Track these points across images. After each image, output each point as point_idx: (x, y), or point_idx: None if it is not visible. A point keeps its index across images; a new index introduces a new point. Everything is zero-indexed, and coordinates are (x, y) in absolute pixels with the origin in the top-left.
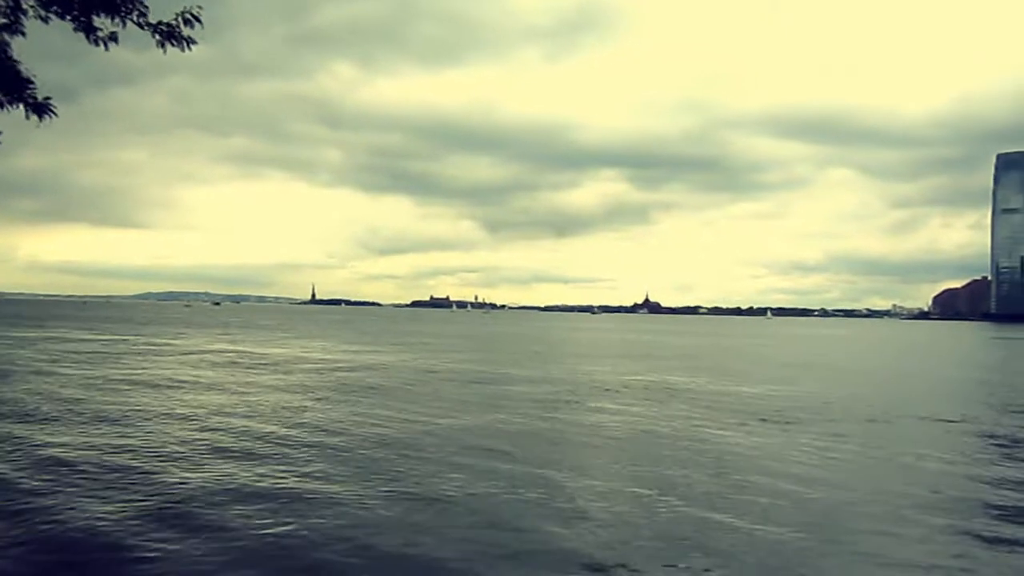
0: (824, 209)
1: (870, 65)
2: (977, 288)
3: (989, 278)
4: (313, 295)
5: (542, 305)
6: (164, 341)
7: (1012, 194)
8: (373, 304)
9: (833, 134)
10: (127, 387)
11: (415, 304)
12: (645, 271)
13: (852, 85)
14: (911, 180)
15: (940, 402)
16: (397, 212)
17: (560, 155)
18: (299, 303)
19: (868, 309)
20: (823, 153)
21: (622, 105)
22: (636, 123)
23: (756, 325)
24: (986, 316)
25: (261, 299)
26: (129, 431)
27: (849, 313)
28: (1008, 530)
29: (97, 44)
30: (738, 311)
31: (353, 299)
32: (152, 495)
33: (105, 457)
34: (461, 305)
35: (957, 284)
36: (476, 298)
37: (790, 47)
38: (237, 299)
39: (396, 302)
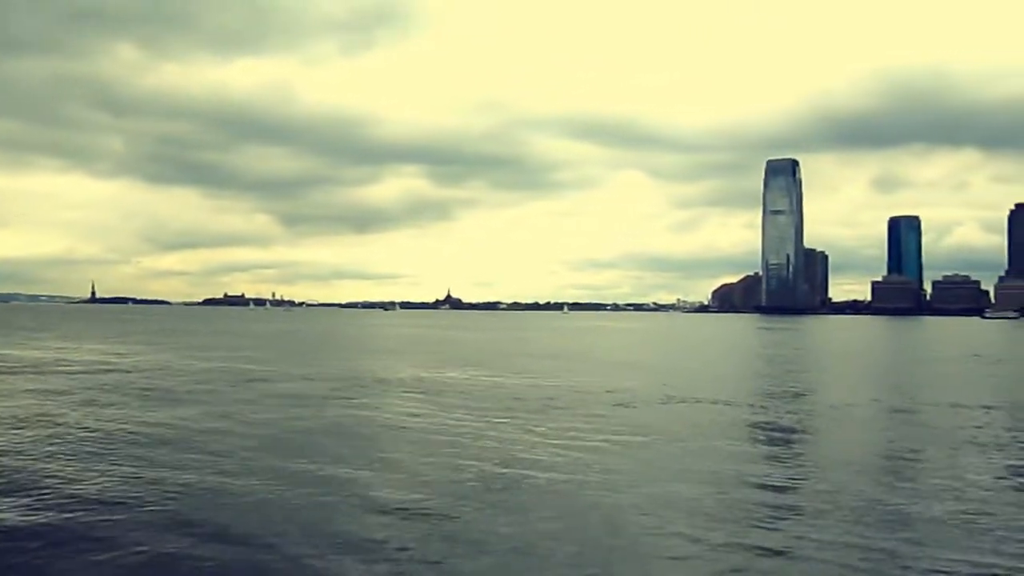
0: (615, 208)
1: (655, 75)
2: (750, 283)
3: (760, 274)
4: (93, 293)
5: (343, 302)
6: None
7: (779, 197)
8: (161, 302)
9: (623, 138)
10: None
11: (208, 302)
12: (447, 267)
13: (640, 93)
14: (692, 182)
15: (712, 386)
16: (186, 205)
17: (359, 149)
18: (77, 302)
19: (655, 303)
20: (614, 155)
21: (421, 101)
22: (436, 120)
23: (553, 319)
24: (757, 308)
25: (33, 298)
26: None
27: (638, 307)
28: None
29: None
30: (536, 306)
31: (139, 297)
32: None
33: None
34: (259, 303)
35: (733, 279)
36: (274, 295)
37: (584, 53)
38: (5, 298)
39: (187, 300)
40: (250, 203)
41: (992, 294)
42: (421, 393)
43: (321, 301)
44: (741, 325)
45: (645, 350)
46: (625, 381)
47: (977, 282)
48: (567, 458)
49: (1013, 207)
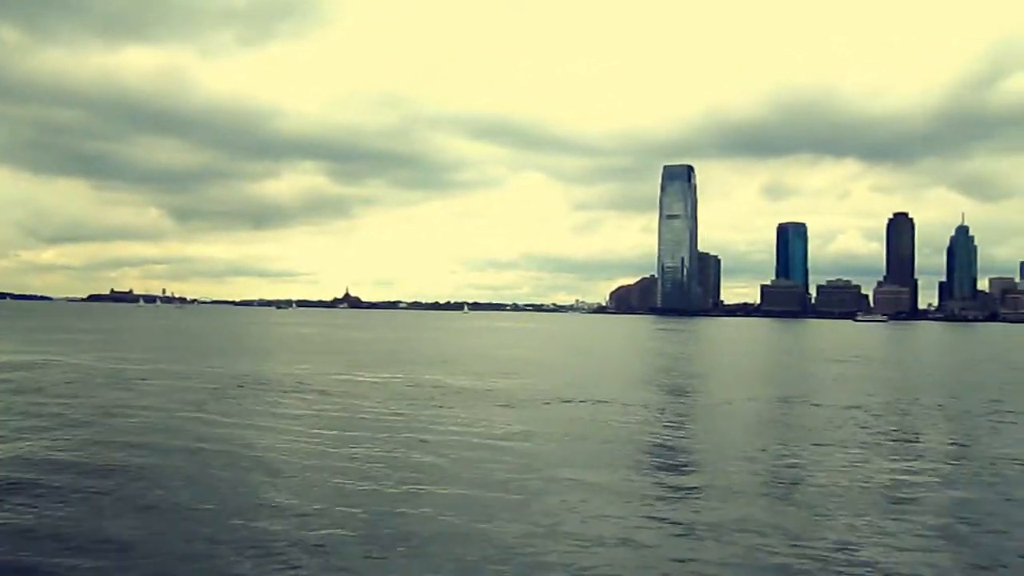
0: (516, 209)
1: (557, 79)
2: (646, 285)
3: (656, 276)
4: None
5: (238, 300)
6: None
7: (675, 202)
8: (42, 298)
9: (524, 139)
10: None
11: (93, 298)
12: (346, 266)
13: (542, 95)
14: (591, 185)
15: (600, 384)
16: (71, 196)
17: (257, 143)
18: None
19: (554, 304)
20: (515, 156)
21: (321, 96)
22: (335, 115)
23: (453, 319)
24: (652, 310)
25: None
26: None
27: (538, 308)
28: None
29: None
30: (437, 306)
31: (18, 293)
32: None
33: None
34: (149, 299)
35: (630, 281)
36: (164, 292)
37: (487, 54)
38: None
39: (71, 296)
40: (141, 196)
41: (871, 298)
42: (298, 395)
43: (215, 298)
44: (637, 326)
45: (541, 350)
46: (515, 380)
47: (858, 287)
48: (437, 457)
49: (891, 216)
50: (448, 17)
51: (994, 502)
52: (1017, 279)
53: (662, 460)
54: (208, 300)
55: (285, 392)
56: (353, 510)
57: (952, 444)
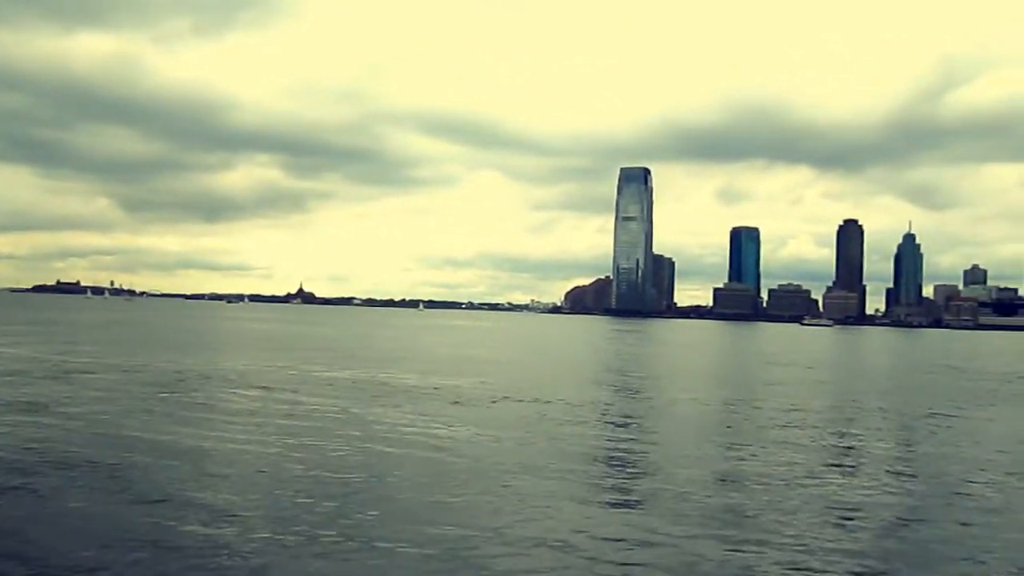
0: (472, 208)
1: (516, 78)
2: (601, 286)
3: (611, 277)
4: None
5: (189, 293)
6: None
7: (631, 203)
8: None
9: (482, 138)
10: None
11: (38, 289)
12: (300, 261)
13: (500, 94)
14: (548, 186)
15: (551, 384)
16: (17, 184)
17: (211, 135)
18: None
19: (510, 303)
20: (472, 155)
21: (278, 89)
22: (292, 109)
23: (407, 316)
24: (608, 311)
25: None
26: None
27: (494, 307)
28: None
29: None
30: (392, 303)
31: None
32: None
33: None
34: (97, 291)
35: (585, 282)
36: (113, 283)
37: (446, 51)
38: None
39: (15, 286)
40: (90, 185)
41: (821, 303)
42: (242, 391)
43: (165, 291)
44: (591, 326)
45: (494, 349)
46: (465, 379)
47: (808, 291)
48: (375, 454)
49: (841, 223)
50: (409, 13)
51: (927, 500)
52: (961, 287)
53: (604, 461)
54: (158, 293)
55: (229, 388)
56: (290, 510)
57: (886, 445)
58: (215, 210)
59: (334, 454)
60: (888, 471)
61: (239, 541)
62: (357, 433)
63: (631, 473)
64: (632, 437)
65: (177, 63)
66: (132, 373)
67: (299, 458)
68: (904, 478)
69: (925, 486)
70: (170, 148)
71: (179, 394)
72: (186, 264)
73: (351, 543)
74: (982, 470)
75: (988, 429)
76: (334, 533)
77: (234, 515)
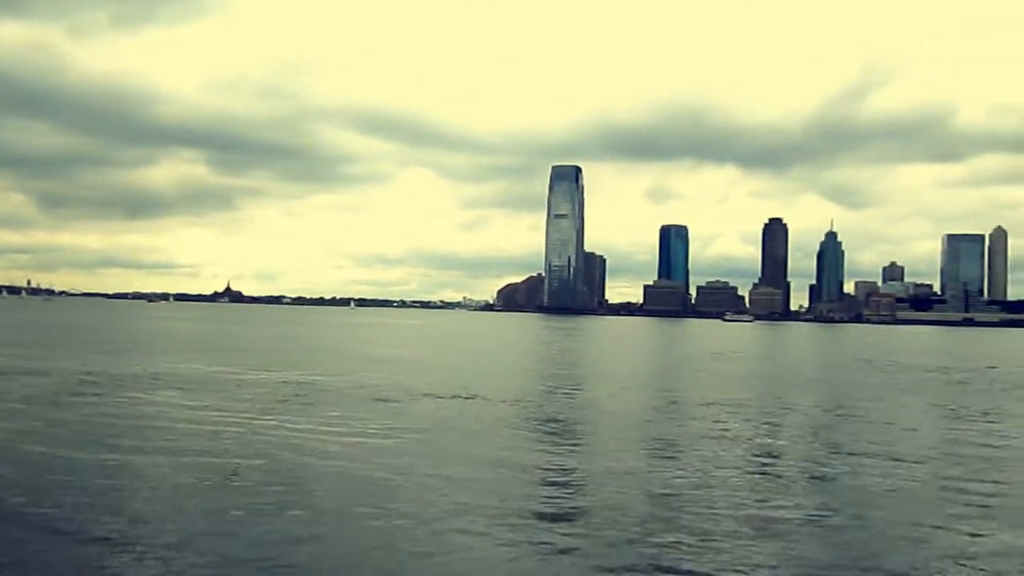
0: (404, 205)
1: (446, 75)
2: (533, 284)
3: (543, 275)
4: None
5: (110, 292)
6: None
7: (563, 201)
8: None
9: (412, 135)
10: None
11: None
12: (228, 259)
13: (430, 91)
14: (480, 183)
15: (477, 381)
16: None
17: (133, 129)
18: None
19: (442, 301)
20: (403, 152)
21: (203, 83)
22: (218, 103)
23: (338, 315)
24: (539, 308)
25: None
26: None
27: (425, 304)
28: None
29: None
30: (322, 301)
31: None
32: None
33: None
34: (13, 291)
35: (517, 279)
36: (30, 283)
37: (375, 46)
38: None
39: None
40: (3, 181)
41: (747, 299)
42: (158, 392)
43: (85, 291)
44: (523, 324)
45: (423, 347)
46: (390, 377)
47: (735, 288)
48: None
49: (767, 221)
50: (339, 8)
51: (835, 488)
52: (880, 283)
53: (522, 454)
54: (78, 292)
55: (144, 389)
56: (195, 515)
57: (791, 435)
58: (138, 207)
59: (248, 454)
60: (797, 462)
61: (141, 546)
62: (275, 434)
63: (546, 467)
64: (551, 432)
65: (96, 55)
66: (40, 376)
67: (209, 457)
68: (817, 467)
69: (819, 481)
70: (90, 142)
71: (89, 396)
72: (107, 262)
73: (259, 548)
74: (876, 456)
75: (883, 418)
76: (242, 534)
77: (135, 518)
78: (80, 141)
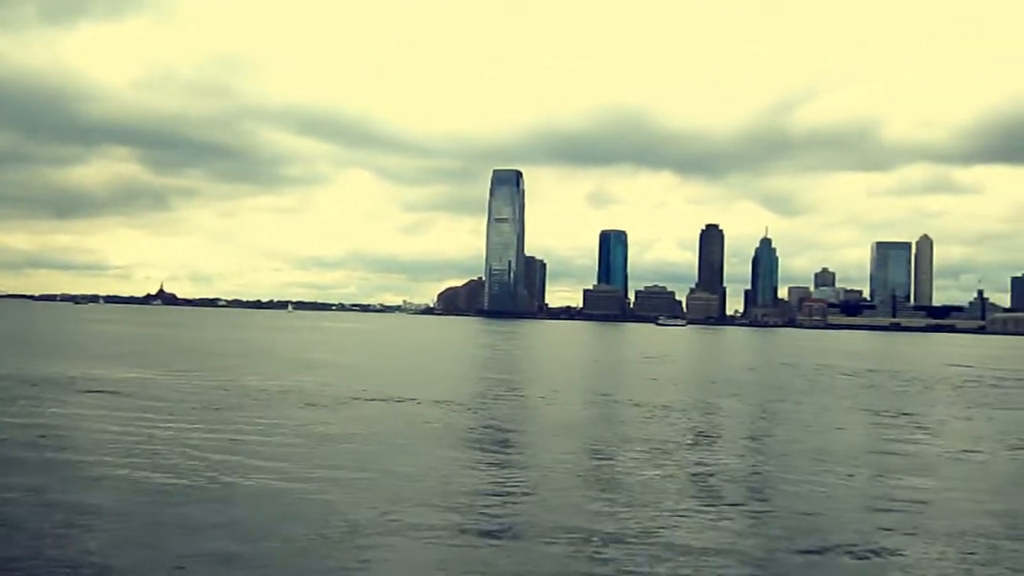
0: (343, 207)
1: (386, 76)
2: (474, 287)
3: (484, 278)
4: None
5: (37, 294)
6: None
7: (503, 205)
8: None
9: (351, 136)
10: None
11: None
12: (161, 260)
13: (370, 92)
14: (420, 186)
15: (414, 385)
16: None
17: (62, 126)
18: None
19: (381, 304)
20: (342, 154)
21: (136, 80)
22: (152, 101)
23: (275, 318)
24: (480, 312)
25: None
26: None
27: (365, 308)
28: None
29: None
30: (259, 304)
31: None
32: None
33: None
34: None
35: (458, 283)
36: None
37: (314, 46)
38: None
39: None
40: None
41: (684, 303)
42: (83, 396)
43: (11, 292)
44: (463, 327)
45: (360, 350)
46: (322, 381)
47: (672, 293)
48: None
49: (704, 227)
50: (278, 6)
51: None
52: (812, 288)
53: (449, 463)
54: (4, 294)
55: (65, 394)
56: (116, 522)
57: (719, 432)
58: (68, 206)
59: (172, 458)
60: (688, 457)
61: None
62: (201, 438)
63: (481, 469)
64: (485, 436)
65: (24, 50)
66: None
67: (133, 462)
68: (752, 462)
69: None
70: (17, 139)
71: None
72: (35, 263)
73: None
74: (784, 455)
75: (792, 418)
76: (167, 539)
77: (60, 525)
78: (6, 138)
